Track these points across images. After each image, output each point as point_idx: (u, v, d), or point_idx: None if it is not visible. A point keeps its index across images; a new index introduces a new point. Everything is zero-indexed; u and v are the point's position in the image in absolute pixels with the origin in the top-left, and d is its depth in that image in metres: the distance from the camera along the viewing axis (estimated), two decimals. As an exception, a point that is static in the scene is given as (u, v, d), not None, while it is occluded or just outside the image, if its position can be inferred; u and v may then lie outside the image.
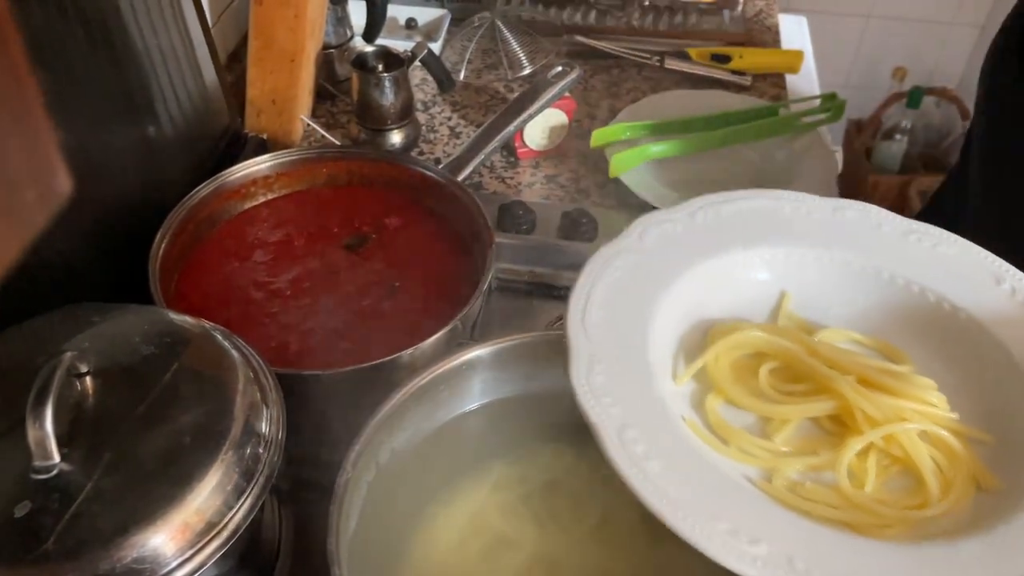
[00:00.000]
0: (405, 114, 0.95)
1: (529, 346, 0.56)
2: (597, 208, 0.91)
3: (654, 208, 0.87)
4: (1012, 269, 0.44)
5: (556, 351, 0.56)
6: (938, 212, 0.81)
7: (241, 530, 0.44)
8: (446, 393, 0.55)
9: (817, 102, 1.03)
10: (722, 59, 1.13)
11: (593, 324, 0.41)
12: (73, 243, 0.61)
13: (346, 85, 1.05)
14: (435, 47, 1.08)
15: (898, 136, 2.16)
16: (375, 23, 1.02)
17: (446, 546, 0.53)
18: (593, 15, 1.24)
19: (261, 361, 0.51)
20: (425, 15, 1.16)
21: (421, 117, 1.03)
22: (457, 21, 1.17)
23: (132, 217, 0.69)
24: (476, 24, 1.14)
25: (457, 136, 1.01)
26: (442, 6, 1.18)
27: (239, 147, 0.87)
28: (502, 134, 0.84)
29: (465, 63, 1.12)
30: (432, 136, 1.01)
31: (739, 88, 1.11)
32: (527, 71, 1.08)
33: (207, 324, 0.52)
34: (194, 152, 0.80)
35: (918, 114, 2.15)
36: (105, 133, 0.66)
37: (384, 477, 0.52)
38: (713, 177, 0.96)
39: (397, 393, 0.52)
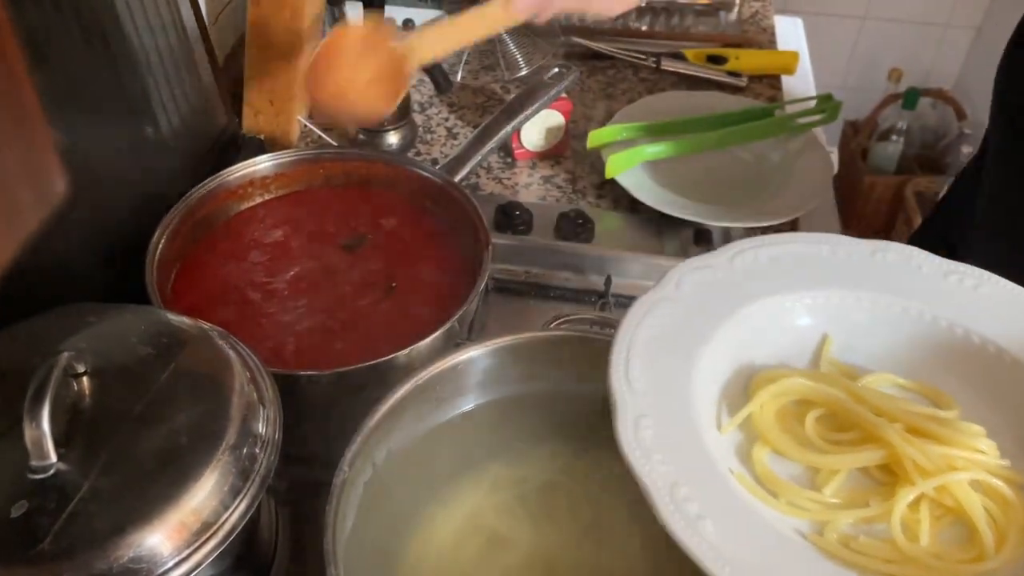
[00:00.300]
0: (402, 115, 0.95)
1: (526, 346, 0.56)
2: (594, 209, 0.91)
3: (651, 208, 0.88)
4: None
5: (553, 351, 0.56)
6: (947, 217, 0.81)
7: (237, 530, 0.44)
8: (443, 393, 0.55)
9: (813, 103, 1.03)
10: (718, 60, 1.13)
11: (636, 378, 0.40)
12: (70, 243, 0.61)
13: (343, 86, 1.05)
14: (432, 48, 1.08)
15: (894, 137, 2.17)
16: (372, 24, 1.02)
17: (443, 546, 0.53)
18: (589, 16, 1.24)
19: (258, 361, 0.51)
20: (422, 17, 1.16)
21: (418, 118, 1.03)
22: (454, 22, 1.17)
23: (129, 217, 0.69)
24: (473, 25, 1.14)
25: (454, 137, 1.01)
26: (439, 7, 1.18)
27: (236, 148, 0.87)
28: (499, 135, 0.84)
29: (462, 64, 1.12)
30: (429, 137, 1.01)
31: (735, 89, 1.11)
32: (524, 72, 1.08)
33: (204, 324, 0.52)
34: (191, 153, 0.80)
35: (914, 115, 2.16)
36: (102, 134, 0.66)
37: (381, 477, 0.52)
38: (709, 178, 0.96)
39: (394, 393, 0.52)
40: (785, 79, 1.15)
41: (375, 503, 0.51)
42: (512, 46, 1.12)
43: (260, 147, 0.89)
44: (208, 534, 0.43)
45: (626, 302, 0.81)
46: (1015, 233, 0.74)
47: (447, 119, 1.04)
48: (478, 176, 0.95)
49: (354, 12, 0.99)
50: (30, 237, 0.23)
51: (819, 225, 0.93)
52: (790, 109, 1.03)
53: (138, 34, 0.69)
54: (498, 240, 0.81)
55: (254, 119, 0.94)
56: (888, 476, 0.40)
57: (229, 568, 0.49)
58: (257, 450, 0.46)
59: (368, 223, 0.76)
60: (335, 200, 0.78)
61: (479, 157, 0.83)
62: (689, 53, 1.14)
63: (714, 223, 0.87)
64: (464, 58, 1.12)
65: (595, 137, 0.95)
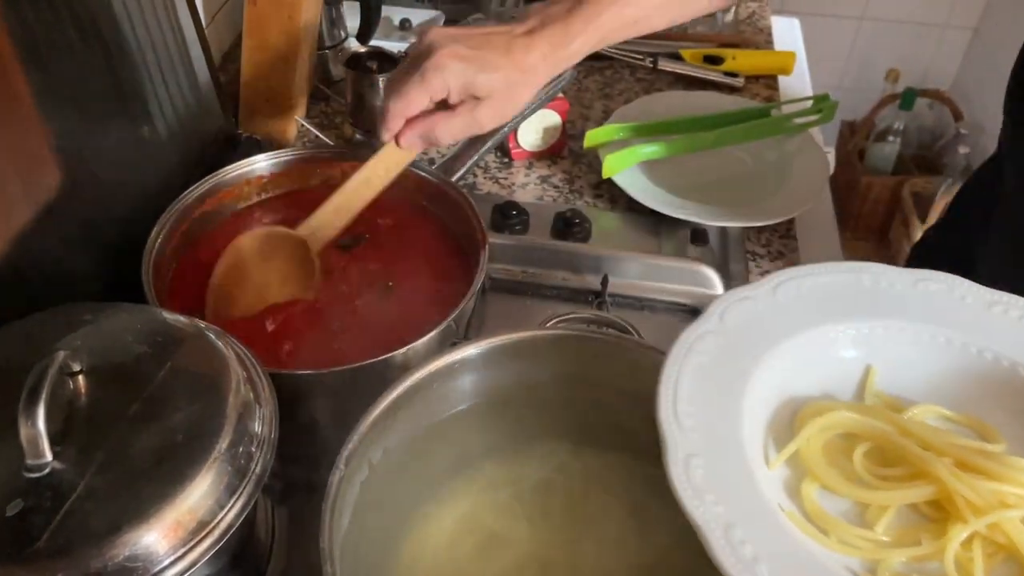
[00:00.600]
0: (399, 115, 0.95)
1: (522, 345, 0.56)
2: (590, 208, 0.91)
3: (648, 208, 0.88)
4: None
5: (550, 350, 0.57)
6: (957, 225, 0.80)
7: (233, 529, 0.44)
8: (439, 392, 0.55)
9: (809, 103, 1.03)
10: (715, 60, 1.14)
11: (685, 414, 0.40)
12: (66, 242, 0.61)
13: (340, 86, 1.05)
14: (429, 48, 1.08)
15: (891, 138, 2.17)
16: (369, 24, 1.02)
17: (439, 545, 0.53)
18: (587, 16, 1.24)
19: (254, 360, 0.51)
20: (419, 16, 1.16)
21: (415, 118, 1.03)
22: (451, 22, 1.17)
23: (126, 217, 0.69)
24: (470, 25, 1.14)
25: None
26: (436, 7, 1.18)
27: (233, 147, 0.87)
28: (496, 135, 0.84)
29: (459, 64, 1.12)
30: (426, 137, 1.01)
31: (732, 89, 1.11)
32: (521, 72, 1.08)
33: (200, 323, 0.52)
34: (188, 152, 0.80)
35: (911, 116, 2.16)
36: (98, 132, 0.66)
37: (377, 476, 0.52)
38: (706, 178, 0.96)
39: (390, 392, 0.52)
40: (782, 79, 1.15)
41: (371, 502, 0.51)
42: (509, 46, 1.12)
43: (257, 146, 0.89)
44: (204, 533, 0.43)
45: (623, 302, 0.81)
46: None
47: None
48: (475, 176, 0.96)
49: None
50: (22, 231, 0.23)
51: (816, 225, 0.93)
52: (787, 109, 1.03)
53: (135, 33, 0.69)
54: (495, 240, 0.81)
55: (251, 119, 0.94)
56: (938, 512, 0.40)
57: (225, 567, 0.49)
58: (253, 449, 0.46)
59: (365, 223, 0.75)
60: (332, 200, 0.78)
61: (476, 157, 0.83)
62: (686, 53, 1.14)
63: (711, 223, 0.87)
64: (461, 58, 1.12)
65: (592, 137, 0.96)
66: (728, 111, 1.01)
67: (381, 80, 0.91)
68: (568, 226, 0.86)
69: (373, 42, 1.02)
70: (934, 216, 1.96)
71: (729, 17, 1.27)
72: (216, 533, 0.43)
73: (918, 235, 2.00)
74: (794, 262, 0.87)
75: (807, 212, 0.91)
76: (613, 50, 1.13)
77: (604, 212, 0.92)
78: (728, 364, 0.43)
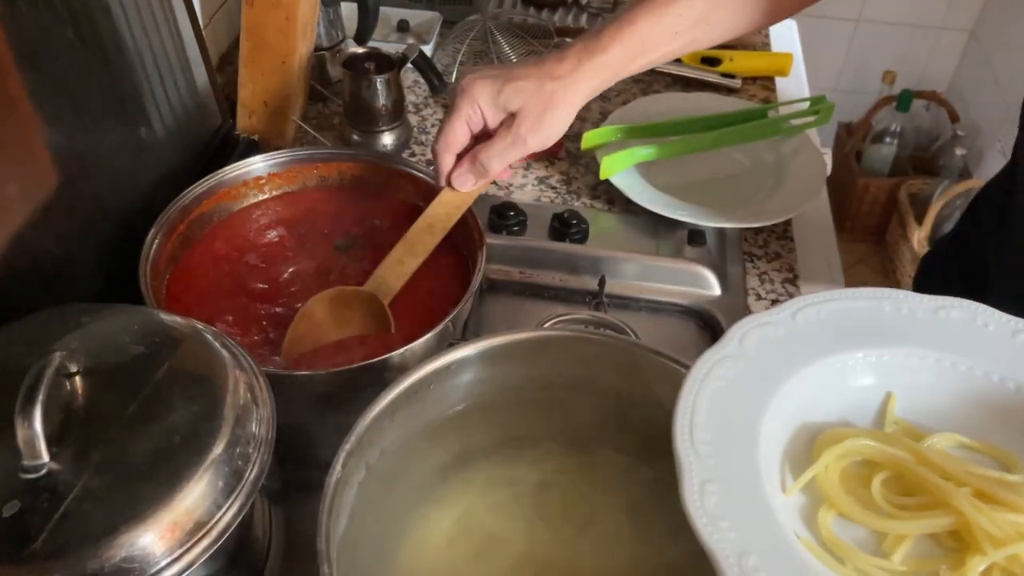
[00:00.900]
0: (397, 116, 0.95)
1: (519, 346, 0.56)
2: (588, 210, 0.92)
3: (645, 209, 0.88)
4: None
5: (547, 351, 0.57)
6: (973, 233, 0.79)
7: (231, 530, 0.44)
8: (436, 393, 0.55)
9: (806, 105, 1.03)
10: (712, 62, 1.14)
11: (701, 440, 0.40)
12: (63, 243, 0.61)
13: (338, 87, 1.05)
14: (427, 49, 1.08)
15: (888, 139, 2.18)
16: (367, 25, 1.02)
17: (436, 546, 0.53)
18: (584, 18, 1.24)
19: (251, 361, 0.51)
20: (417, 17, 1.16)
21: (413, 119, 1.03)
22: (449, 23, 1.18)
23: (123, 218, 0.69)
24: (468, 26, 1.14)
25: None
26: (433, 8, 1.18)
27: (231, 148, 0.87)
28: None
29: (457, 65, 1.12)
30: (424, 138, 1.01)
31: (729, 91, 1.12)
32: (518, 73, 1.08)
33: (198, 324, 0.52)
34: (185, 153, 0.80)
35: (907, 117, 2.17)
36: (96, 133, 0.66)
37: (374, 477, 0.52)
38: (703, 179, 0.96)
39: (387, 393, 0.52)
40: (779, 81, 1.16)
41: (369, 503, 0.51)
42: (507, 47, 1.12)
43: (254, 147, 0.89)
44: (201, 534, 0.43)
45: (620, 302, 0.82)
46: None
47: (442, 120, 1.04)
48: (473, 177, 0.96)
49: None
50: (19, 231, 0.23)
51: (813, 227, 0.94)
52: (784, 111, 1.03)
53: (132, 35, 0.69)
54: (492, 240, 0.81)
55: (248, 119, 0.94)
56: (956, 542, 0.39)
57: (222, 568, 0.49)
58: (250, 450, 0.46)
59: (362, 224, 0.76)
60: (329, 200, 0.78)
61: (473, 158, 0.83)
62: (683, 54, 1.14)
63: (708, 224, 0.87)
64: (459, 59, 1.12)
65: (589, 138, 0.96)
66: (725, 112, 1.01)
67: (379, 81, 0.91)
68: (565, 227, 0.86)
69: (371, 43, 1.02)
70: (931, 217, 1.97)
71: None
72: (213, 534, 0.43)
73: (915, 236, 2.01)
74: (791, 263, 0.87)
75: (804, 213, 0.91)
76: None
77: (601, 213, 0.92)
78: (746, 390, 0.42)
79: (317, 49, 1.02)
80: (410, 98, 1.07)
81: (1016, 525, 0.38)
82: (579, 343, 0.57)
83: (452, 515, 0.54)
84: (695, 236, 0.87)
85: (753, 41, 1.22)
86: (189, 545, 0.42)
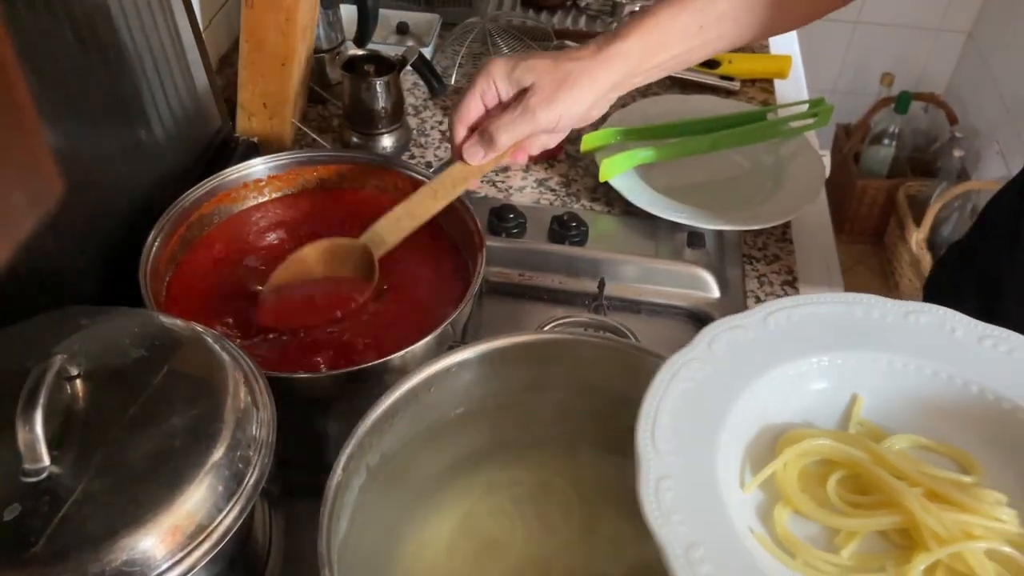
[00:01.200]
0: (396, 118, 0.95)
1: (519, 349, 0.56)
2: (587, 212, 0.92)
3: (644, 212, 0.88)
4: None
5: (547, 353, 0.57)
6: (985, 242, 0.79)
7: (231, 533, 0.44)
8: (436, 396, 0.55)
9: (805, 107, 1.03)
10: (711, 64, 1.14)
11: (662, 438, 0.41)
12: (64, 246, 0.61)
13: (337, 89, 1.05)
14: (426, 51, 1.08)
15: (886, 141, 2.18)
16: (366, 27, 1.02)
17: (436, 549, 0.53)
18: (583, 20, 1.24)
19: (252, 364, 0.51)
20: (416, 19, 1.16)
21: (412, 121, 1.03)
22: (448, 26, 1.18)
23: (123, 220, 0.69)
24: (467, 28, 1.14)
25: (448, 140, 1.02)
26: (433, 10, 1.18)
27: (230, 150, 0.87)
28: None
29: (456, 67, 1.12)
30: (423, 140, 1.01)
31: (728, 93, 1.12)
32: (518, 75, 1.08)
33: (198, 327, 0.52)
34: (185, 155, 0.80)
35: (906, 119, 2.17)
36: (96, 136, 0.66)
37: (374, 480, 0.52)
38: (702, 181, 0.97)
39: (388, 396, 0.52)
40: (778, 83, 1.16)
41: (369, 506, 0.51)
42: (505, 49, 1.12)
43: (254, 150, 0.89)
44: (202, 537, 0.43)
45: (619, 305, 0.82)
46: None
47: (441, 122, 1.05)
48: (472, 179, 0.96)
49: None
50: (24, 239, 0.23)
51: (811, 228, 0.94)
52: (782, 113, 1.03)
53: (132, 37, 0.69)
54: (492, 243, 0.81)
55: (248, 122, 0.94)
56: (907, 540, 0.40)
57: (223, 571, 0.49)
58: (251, 453, 0.46)
59: (362, 226, 0.76)
60: (328, 203, 0.78)
61: (473, 160, 0.83)
62: (682, 57, 1.14)
63: (707, 226, 0.87)
64: (458, 61, 1.12)
65: (589, 140, 0.96)
66: (724, 115, 1.01)
67: (378, 83, 0.91)
68: (565, 229, 0.86)
69: (370, 45, 1.02)
70: (929, 219, 1.97)
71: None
72: (214, 538, 0.43)
73: (913, 238, 2.01)
74: (790, 266, 0.87)
75: (803, 215, 0.91)
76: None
77: (601, 215, 0.92)
78: (712, 391, 0.43)
79: (317, 51, 1.02)
80: (409, 100, 1.07)
81: (962, 524, 0.39)
82: (579, 346, 0.57)
83: (452, 518, 0.54)
84: (694, 238, 0.87)
85: (752, 44, 1.22)
86: (190, 549, 0.42)
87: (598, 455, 0.57)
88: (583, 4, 1.25)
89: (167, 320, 0.52)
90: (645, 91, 1.11)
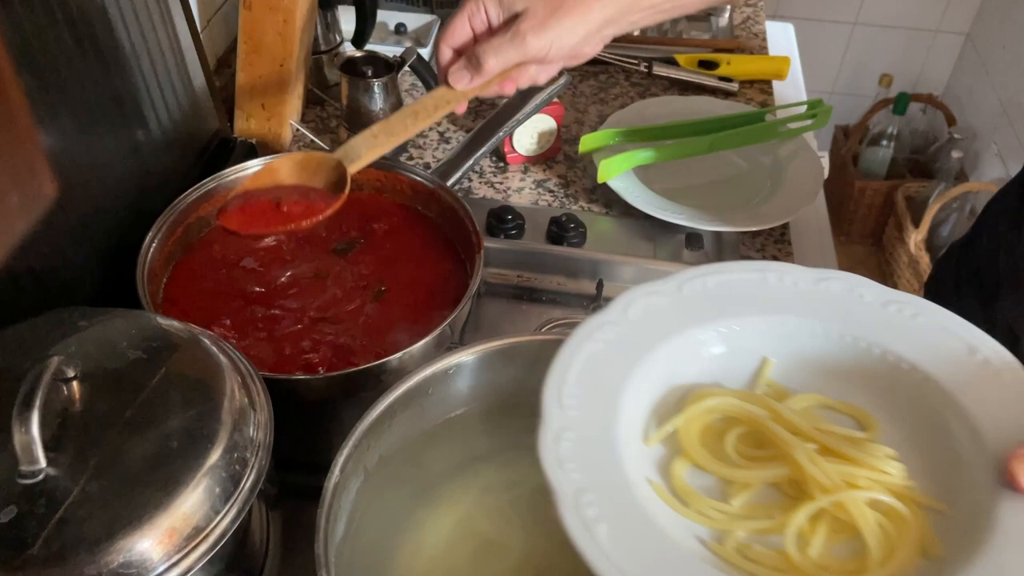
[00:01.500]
0: (394, 119, 0.95)
1: (517, 350, 0.56)
2: (586, 213, 0.92)
3: (643, 213, 0.88)
4: (988, 339, 0.45)
5: (545, 354, 0.56)
6: (985, 239, 0.79)
7: (228, 535, 0.44)
8: (434, 397, 0.55)
9: (803, 108, 1.03)
10: (709, 65, 1.14)
11: (569, 394, 0.42)
12: (61, 247, 0.61)
13: (335, 90, 1.05)
14: (424, 52, 1.08)
15: (884, 142, 2.18)
16: (364, 28, 1.02)
17: (434, 550, 0.53)
18: (582, 21, 1.24)
19: (249, 365, 0.51)
20: (414, 21, 1.16)
21: (410, 122, 1.03)
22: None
23: (120, 221, 0.69)
24: (465, 30, 1.14)
25: (447, 141, 1.02)
26: (431, 12, 1.18)
27: (228, 151, 0.86)
28: (491, 140, 0.85)
29: (454, 68, 1.12)
30: (421, 141, 1.01)
31: (726, 94, 1.12)
32: (516, 77, 1.08)
33: (195, 328, 0.52)
34: (183, 156, 0.80)
35: (904, 120, 2.17)
36: (93, 137, 0.66)
37: (372, 481, 0.52)
38: (700, 183, 0.97)
39: (385, 397, 0.52)
40: (776, 84, 1.16)
41: (367, 507, 0.51)
42: (504, 51, 1.12)
43: (252, 151, 0.89)
44: (199, 539, 0.42)
45: (618, 306, 0.82)
46: None
47: (439, 123, 1.05)
48: (470, 180, 0.96)
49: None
50: (19, 240, 0.23)
51: (810, 229, 0.94)
52: (781, 114, 1.03)
53: (130, 38, 0.69)
54: (490, 244, 0.81)
55: (245, 123, 0.94)
56: (798, 492, 0.42)
57: (220, 573, 0.48)
58: (248, 454, 0.46)
59: (360, 227, 0.76)
60: (327, 204, 0.78)
61: (471, 161, 0.83)
62: (681, 58, 1.14)
63: (705, 227, 0.87)
64: (456, 62, 1.12)
65: (587, 141, 0.96)
66: (723, 116, 1.01)
67: (376, 85, 0.91)
68: (563, 230, 0.86)
69: (368, 46, 1.02)
70: (927, 220, 1.97)
71: (724, 22, 1.28)
72: (211, 539, 0.43)
73: (912, 239, 2.01)
74: (788, 266, 0.87)
75: (801, 216, 0.91)
76: (608, 55, 1.14)
77: (599, 216, 0.92)
78: (622, 352, 0.44)
79: (315, 52, 1.02)
80: (407, 101, 1.07)
81: (845, 475, 0.40)
82: (577, 347, 0.57)
83: (450, 520, 0.54)
84: (692, 239, 0.87)
85: (751, 45, 1.23)
86: (187, 550, 0.42)
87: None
88: (581, 5, 1.25)
89: (164, 322, 0.52)
90: (643, 92, 1.11)
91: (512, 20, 0.62)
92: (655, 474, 0.42)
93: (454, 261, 0.73)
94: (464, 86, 0.64)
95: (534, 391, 0.57)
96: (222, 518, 0.44)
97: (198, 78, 0.81)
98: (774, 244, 0.90)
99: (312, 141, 0.96)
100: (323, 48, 1.04)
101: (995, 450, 0.39)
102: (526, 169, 0.98)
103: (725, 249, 0.88)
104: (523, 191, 0.95)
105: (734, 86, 1.12)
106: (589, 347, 0.44)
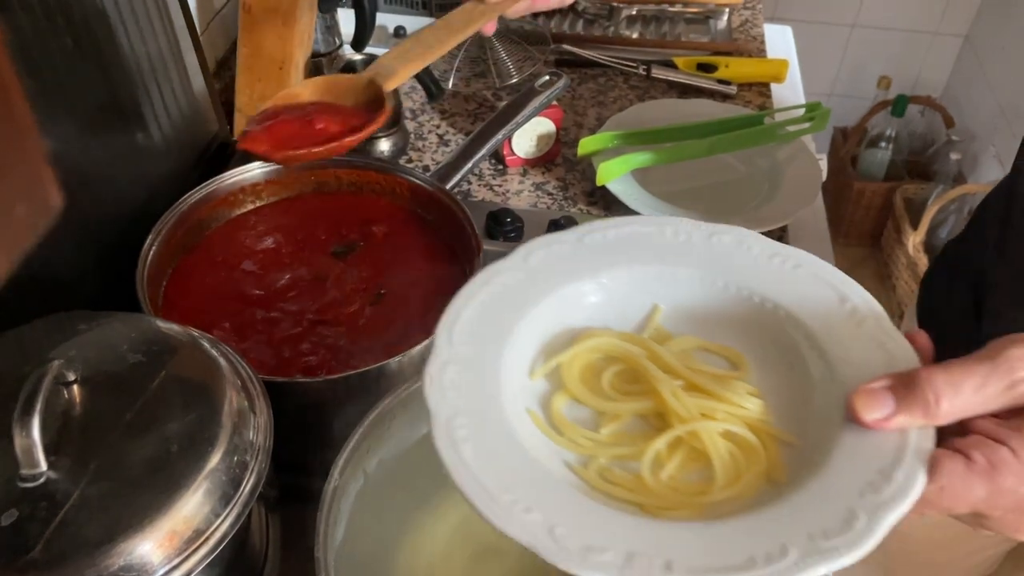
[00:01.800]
0: (394, 122, 0.95)
1: (516, 353, 0.56)
2: (584, 216, 0.92)
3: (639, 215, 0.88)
4: (858, 289, 0.49)
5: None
6: (978, 236, 0.80)
7: (228, 538, 0.44)
8: (433, 400, 0.55)
9: (802, 111, 1.04)
10: (708, 68, 1.14)
11: (459, 332, 0.44)
12: (61, 251, 0.61)
13: (335, 93, 1.05)
14: (423, 55, 1.08)
15: (883, 144, 2.18)
16: (364, 31, 1.02)
17: (433, 555, 0.53)
18: (580, 24, 1.25)
19: (248, 368, 0.51)
20: (413, 23, 1.16)
21: (410, 125, 1.04)
22: (446, 29, 1.18)
23: (120, 225, 0.69)
24: (464, 32, 1.14)
25: (446, 144, 1.02)
26: (431, 14, 1.18)
27: (227, 154, 0.87)
28: (490, 142, 0.85)
29: (454, 71, 1.12)
30: (421, 144, 1.02)
31: (725, 97, 1.12)
32: (515, 80, 1.09)
33: (195, 332, 0.52)
34: (182, 159, 0.80)
35: (903, 122, 2.17)
36: (93, 141, 0.66)
37: (372, 485, 0.52)
38: (699, 185, 0.97)
39: (384, 401, 0.52)
40: (774, 87, 1.16)
41: (366, 511, 0.52)
42: (503, 54, 1.12)
43: (251, 154, 0.89)
44: (199, 542, 0.43)
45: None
46: None
47: (439, 126, 1.05)
48: (469, 183, 0.96)
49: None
50: (19, 243, 0.23)
51: (808, 232, 0.94)
52: (779, 117, 1.03)
53: (130, 42, 0.69)
54: (489, 247, 0.81)
55: (245, 125, 0.94)
56: (663, 424, 0.46)
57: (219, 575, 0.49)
58: (248, 458, 0.46)
59: (359, 230, 0.76)
60: (326, 207, 0.78)
61: (471, 164, 0.83)
62: (679, 61, 1.15)
63: (704, 230, 0.87)
64: (455, 65, 1.13)
65: (586, 144, 0.96)
66: (721, 119, 1.01)
67: (376, 87, 0.91)
68: (562, 233, 0.86)
69: (368, 49, 1.02)
70: (926, 222, 1.97)
71: (722, 25, 1.28)
72: (211, 543, 0.43)
73: (910, 241, 2.01)
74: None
75: (800, 219, 0.91)
76: (607, 58, 1.14)
77: (598, 219, 0.92)
78: (517, 295, 0.47)
79: (314, 55, 1.02)
80: (407, 104, 1.07)
81: (704, 408, 0.44)
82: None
83: (449, 524, 0.55)
84: (691, 242, 0.87)
85: (749, 48, 1.23)
86: (187, 554, 0.42)
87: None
88: (580, 8, 1.26)
89: (164, 325, 0.52)
90: (642, 95, 1.12)
91: None
92: (536, 406, 0.45)
93: (453, 264, 0.73)
94: (500, 7, 0.64)
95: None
96: (222, 521, 0.44)
97: (198, 81, 0.81)
98: (772, 247, 0.90)
99: (311, 144, 0.96)
100: (322, 51, 1.04)
101: (847, 389, 0.43)
102: (525, 172, 0.98)
103: (724, 252, 0.88)
104: (522, 194, 0.95)
105: (733, 89, 1.12)
106: (487, 290, 0.47)
